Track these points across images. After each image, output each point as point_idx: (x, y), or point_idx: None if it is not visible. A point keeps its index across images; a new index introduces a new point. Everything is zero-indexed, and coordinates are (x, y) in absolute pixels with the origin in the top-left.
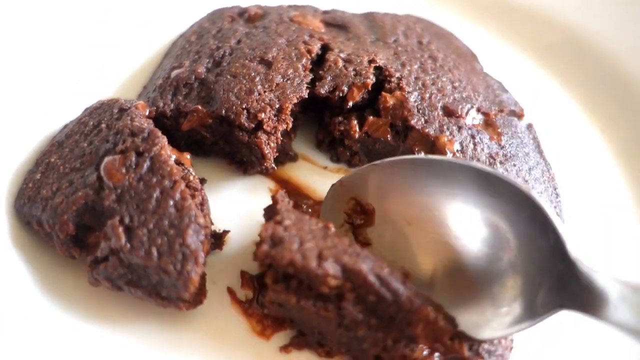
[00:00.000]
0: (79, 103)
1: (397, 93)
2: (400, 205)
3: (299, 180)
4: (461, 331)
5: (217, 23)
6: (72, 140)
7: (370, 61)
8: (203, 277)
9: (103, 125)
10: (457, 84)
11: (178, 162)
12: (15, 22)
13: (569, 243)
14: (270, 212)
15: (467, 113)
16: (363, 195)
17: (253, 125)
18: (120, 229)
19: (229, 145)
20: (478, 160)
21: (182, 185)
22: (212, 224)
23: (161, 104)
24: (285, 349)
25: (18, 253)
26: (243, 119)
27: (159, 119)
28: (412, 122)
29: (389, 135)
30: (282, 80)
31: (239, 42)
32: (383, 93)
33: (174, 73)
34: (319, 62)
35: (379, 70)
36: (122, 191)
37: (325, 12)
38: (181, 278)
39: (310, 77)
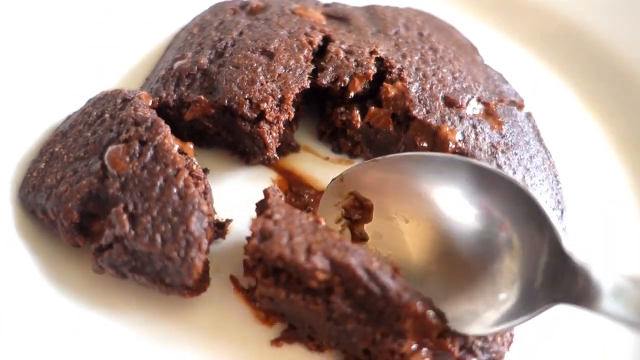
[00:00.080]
0: (81, 95)
1: (399, 84)
2: (398, 202)
3: (301, 171)
4: (451, 328)
5: (219, 15)
6: (75, 130)
7: (372, 52)
8: (206, 264)
9: (107, 115)
10: (457, 75)
11: (181, 152)
12: (20, 9)
13: (563, 238)
14: (262, 207)
15: (467, 103)
16: (362, 190)
17: (255, 115)
18: (125, 216)
19: (231, 136)
20: (480, 149)
21: (186, 173)
22: (215, 212)
23: (164, 95)
24: (276, 342)
25: (23, 242)
26: (245, 108)
27: (161, 110)
28: (414, 112)
29: (390, 126)
30: (284, 70)
31: (241, 33)
32: (384, 84)
33: (177, 64)
34: (320, 53)
35: (380, 61)
36: (126, 179)
37: (326, 5)
38: (185, 264)
39: (312, 68)
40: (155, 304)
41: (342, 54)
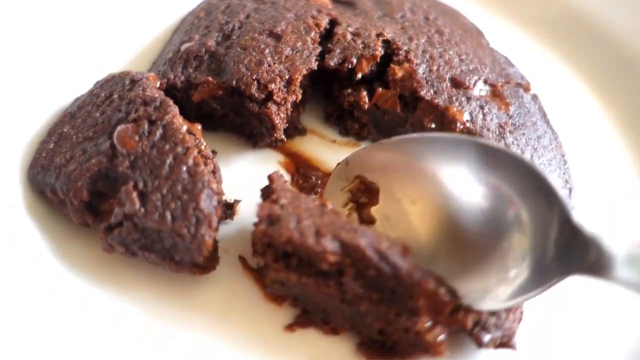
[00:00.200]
0: (89, 78)
1: (406, 65)
2: (404, 184)
3: (308, 153)
4: (464, 304)
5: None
6: (84, 111)
7: (378, 35)
8: (216, 242)
9: (115, 96)
10: (464, 57)
11: (189, 132)
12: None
13: (572, 212)
14: (267, 192)
15: (474, 84)
16: (368, 173)
17: (263, 96)
18: (134, 194)
19: (239, 117)
20: (488, 130)
21: (195, 152)
22: (223, 193)
23: (172, 76)
24: (290, 327)
25: (32, 221)
26: (253, 89)
27: (169, 91)
28: (422, 93)
29: (398, 107)
30: (291, 52)
31: (247, 16)
32: (392, 65)
33: (184, 47)
34: (327, 36)
35: (386, 43)
36: (136, 158)
37: None
38: (195, 241)
39: (319, 50)
40: (165, 283)
41: (349, 36)
